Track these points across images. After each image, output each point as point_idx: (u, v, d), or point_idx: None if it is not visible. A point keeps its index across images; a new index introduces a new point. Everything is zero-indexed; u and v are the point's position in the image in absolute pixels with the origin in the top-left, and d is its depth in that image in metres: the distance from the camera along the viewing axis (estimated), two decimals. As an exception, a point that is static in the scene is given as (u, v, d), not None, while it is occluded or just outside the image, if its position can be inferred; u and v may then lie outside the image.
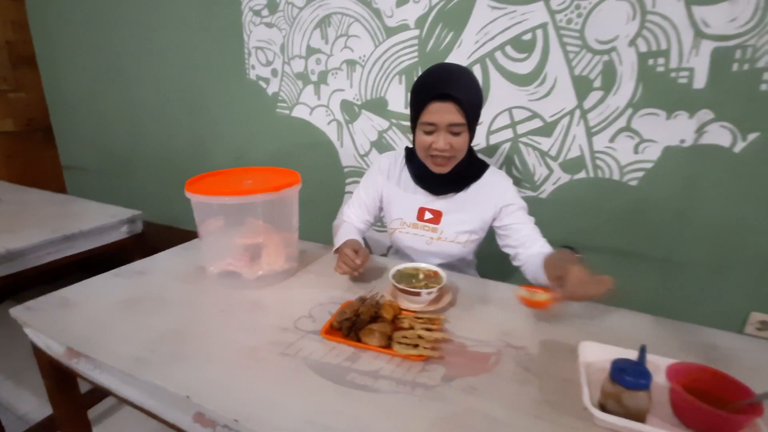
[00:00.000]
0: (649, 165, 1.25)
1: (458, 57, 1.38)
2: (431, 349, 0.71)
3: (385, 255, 1.48)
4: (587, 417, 0.59)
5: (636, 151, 1.25)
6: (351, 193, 1.75)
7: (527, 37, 1.28)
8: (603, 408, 0.59)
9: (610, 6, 1.17)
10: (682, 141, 1.20)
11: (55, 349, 0.75)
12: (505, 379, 0.68)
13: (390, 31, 1.47)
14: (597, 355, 0.70)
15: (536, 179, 1.40)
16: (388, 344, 0.73)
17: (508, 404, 0.62)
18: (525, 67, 1.30)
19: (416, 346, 0.71)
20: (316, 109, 1.71)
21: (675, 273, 1.32)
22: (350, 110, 1.63)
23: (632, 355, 0.67)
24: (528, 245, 1.03)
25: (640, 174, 1.27)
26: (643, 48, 1.17)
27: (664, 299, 1.34)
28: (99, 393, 1.43)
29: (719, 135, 1.15)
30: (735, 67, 1.09)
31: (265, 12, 1.69)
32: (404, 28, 1.44)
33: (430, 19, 1.40)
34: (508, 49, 1.31)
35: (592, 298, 0.75)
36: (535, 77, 1.30)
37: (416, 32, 1.43)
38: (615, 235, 1.36)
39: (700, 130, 1.17)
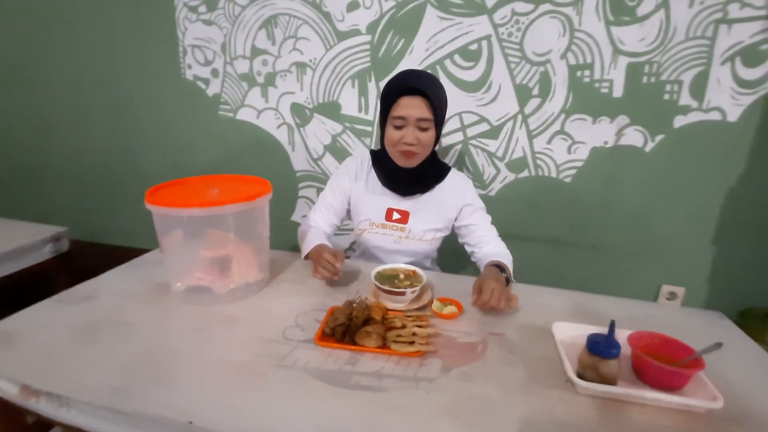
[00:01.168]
0: (580, 164, 1.42)
1: (410, 63, 1.44)
2: (426, 344, 0.75)
3: (347, 257, 1.49)
4: (568, 387, 0.68)
5: (569, 152, 1.42)
6: (305, 197, 1.73)
7: (473, 47, 1.38)
8: (581, 377, 0.67)
9: (545, 22, 1.31)
10: (606, 142, 1.38)
11: (6, 390, 0.64)
12: (494, 363, 0.74)
13: (341, 36, 1.48)
14: (567, 332, 0.79)
15: (485, 179, 1.51)
16: (383, 344, 0.75)
17: (500, 386, 0.68)
18: (472, 75, 1.40)
19: (412, 343, 0.74)
20: (264, 112, 1.65)
21: (601, 256, 1.52)
22: (302, 113, 1.61)
23: (597, 329, 0.78)
24: (482, 245, 1.12)
25: (573, 171, 1.44)
26: (572, 61, 1.33)
27: (594, 278, 1.54)
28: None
29: (634, 137, 1.36)
30: (645, 79, 1.29)
31: (202, 8, 1.59)
32: (356, 33, 1.46)
33: (381, 25, 1.43)
34: (457, 57, 1.40)
35: (499, 311, 0.87)
36: (482, 84, 1.41)
37: (368, 37, 1.46)
38: (553, 227, 1.52)
39: (619, 133, 1.36)
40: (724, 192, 1.35)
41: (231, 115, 1.69)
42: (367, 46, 1.47)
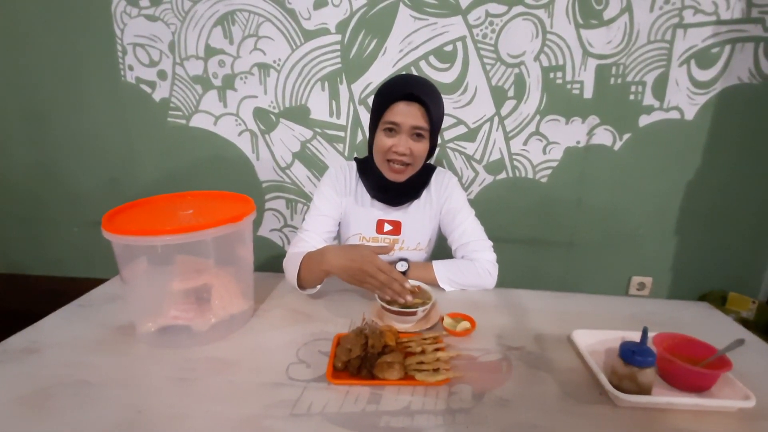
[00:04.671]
0: (554, 164, 1.45)
1: (384, 64, 1.38)
2: (451, 370, 0.68)
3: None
4: (605, 401, 0.65)
5: (544, 152, 1.43)
6: (274, 209, 1.60)
7: (449, 48, 1.35)
8: (618, 388, 0.65)
9: (518, 24, 1.31)
10: (578, 142, 1.42)
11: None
12: (525, 383, 0.69)
13: (308, 35, 1.38)
14: (587, 340, 0.77)
15: (464, 182, 1.49)
16: (405, 374, 0.67)
17: (539, 408, 0.63)
18: (448, 77, 1.37)
19: (437, 370, 0.68)
20: (222, 117, 1.50)
21: (575, 252, 1.56)
22: (266, 119, 1.48)
23: (615, 334, 0.76)
24: (459, 252, 1.05)
25: (549, 171, 1.46)
26: (545, 63, 1.34)
27: (570, 275, 1.58)
28: None
29: (604, 136, 1.40)
30: (612, 80, 1.34)
31: (144, 2, 1.40)
32: (324, 32, 1.37)
33: (352, 24, 1.35)
34: (432, 58, 1.36)
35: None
36: (458, 86, 1.38)
37: (338, 37, 1.37)
38: (530, 227, 1.54)
39: (590, 133, 1.40)
40: (683, 186, 1.44)
41: (183, 122, 1.51)
42: (338, 47, 1.38)
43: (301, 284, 0.91)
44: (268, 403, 0.62)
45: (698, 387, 0.66)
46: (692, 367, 0.64)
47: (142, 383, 0.67)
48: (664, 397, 0.62)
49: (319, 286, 0.92)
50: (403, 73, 0.98)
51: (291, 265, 0.93)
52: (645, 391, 0.64)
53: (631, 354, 0.64)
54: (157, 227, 0.73)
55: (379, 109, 0.93)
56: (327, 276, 0.88)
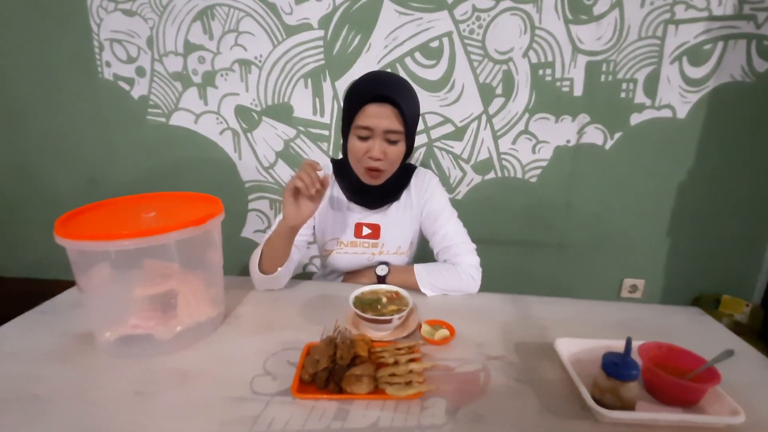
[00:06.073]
0: (544, 163, 1.41)
1: (368, 61, 1.34)
2: (424, 382, 0.64)
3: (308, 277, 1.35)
4: (587, 416, 0.61)
5: (534, 151, 1.40)
6: (257, 210, 1.55)
7: (435, 44, 1.31)
8: (600, 403, 0.61)
9: (506, 19, 1.27)
10: (568, 141, 1.38)
11: None
12: (503, 396, 0.65)
13: (290, 30, 1.33)
14: (571, 349, 0.73)
15: (452, 182, 1.45)
16: (375, 387, 0.64)
17: (515, 423, 0.60)
18: (434, 74, 1.33)
19: (409, 382, 0.64)
20: (202, 116, 1.45)
21: (566, 254, 1.53)
22: (248, 117, 1.44)
23: (598, 343, 0.73)
24: (441, 255, 1.01)
25: (538, 171, 1.42)
26: (534, 59, 1.30)
27: (560, 277, 1.54)
28: None
29: (594, 135, 1.37)
30: (603, 78, 1.30)
31: (121, -4, 1.36)
32: (307, 27, 1.33)
33: (335, 19, 1.31)
34: (418, 55, 1.32)
35: None
36: (445, 83, 1.34)
37: (320, 33, 1.33)
38: (519, 228, 1.50)
39: (580, 132, 1.37)
40: (675, 186, 1.41)
41: (163, 120, 1.47)
42: (320, 42, 1.34)
43: (264, 265, 0.90)
44: (226, 419, 0.58)
45: (685, 401, 0.62)
46: (679, 381, 0.61)
47: (96, 398, 0.63)
48: (648, 413, 0.59)
49: (286, 274, 0.92)
50: (373, 70, 0.91)
51: (253, 256, 0.92)
52: (628, 406, 0.60)
53: (614, 366, 0.60)
54: (115, 231, 0.69)
55: (349, 112, 0.87)
56: (289, 232, 0.87)
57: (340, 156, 1.00)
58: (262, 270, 0.90)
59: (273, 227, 0.95)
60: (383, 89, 0.84)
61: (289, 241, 0.89)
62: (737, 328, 0.92)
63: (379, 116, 0.85)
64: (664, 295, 1.52)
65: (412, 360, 0.69)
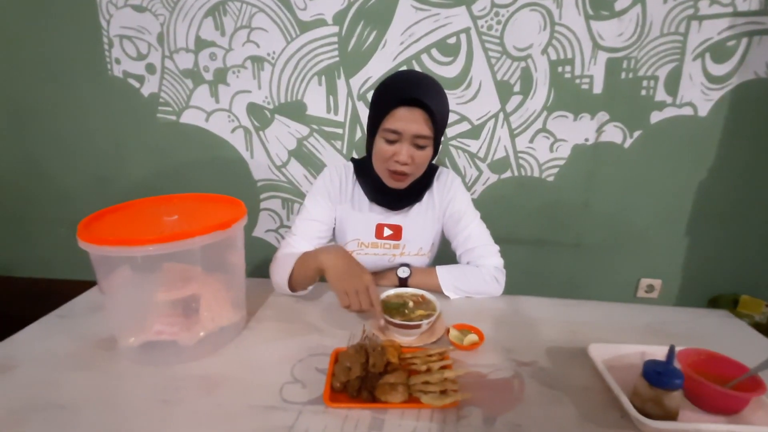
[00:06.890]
0: (562, 162, 1.39)
1: (384, 58, 1.31)
2: (459, 390, 0.63)
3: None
4: (627, 425, 0.59)
5: (551, 150, 1.37)
6: (269, 209, 1.53)
7: (452, 40, 1.28)
8: (641, 412, 0.59)
9: (525, 15, 1.25)
10: (587, 139, 1.36)
11: None
12: (538, 404, 0.64)
13: (304, 26, 1.31)
14: (604, 354, 0.72)
15: (468, 181, 1.43)
16: (409, 396, 0.62)
17: (554, 432, 0.58)
18: (451, 71, 1.31)
19: (444, 391, 0.62)
20: (214, 113, 1.43)
21: (583, 254, 1.51)
22: (260, 115, 1.41)
23: (635, 348, 0.71)
24: (464, 257, 1.00)
25: (556, 170, 1.40)
26: (553, 56, 1.28)
27: (577, 277, 1.53)
28: None
29: (613, 133, 1.34)
30: (623, 75, 1.28)
31: (131, -8, 1.33)
32: (321, 23, 1.30)
33: (350, 15, 1.29)
34: (434, 52, 1.30)
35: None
36: (462, 81, 1.32)
37: (335, 29, 1.30)
38: (535, 227, 1.48)
39: (599, 130, 1.34)
40: (695, 185, 1.39)
41: (173, 118, 1.44)
42: (335, 39, 1.31)
43: (292, 285, 0.88)
44: (259, 429, 0.57)
45: (728, 409, 0.61)
46: (724, 390, 0.59)
47: (121, 406, 0.61)
48: (693, 423, 0.57)
49: (311, 287, 0.90)
50: (404, 69, 0.89)
51: (280, 267, 0.89)
52: (671, 415, 0.58)
53: (657, 375, 0.58)
54: (139, 235, 0.67)
55: (377, 114, 0.85)
56: (319, 275, 0.84)
57: (354, 155, 0.97)
58: (292, 288, 0.89)
59: (296, 234, 0.94)
60: (414, 92, 0.80)
61: (316, 275, 0.87)
62: (757, 329, 0.90)
63: (408, 120, 0.82)
64: (681, 295, 1.50)
65: (444, 367, 0.67)
